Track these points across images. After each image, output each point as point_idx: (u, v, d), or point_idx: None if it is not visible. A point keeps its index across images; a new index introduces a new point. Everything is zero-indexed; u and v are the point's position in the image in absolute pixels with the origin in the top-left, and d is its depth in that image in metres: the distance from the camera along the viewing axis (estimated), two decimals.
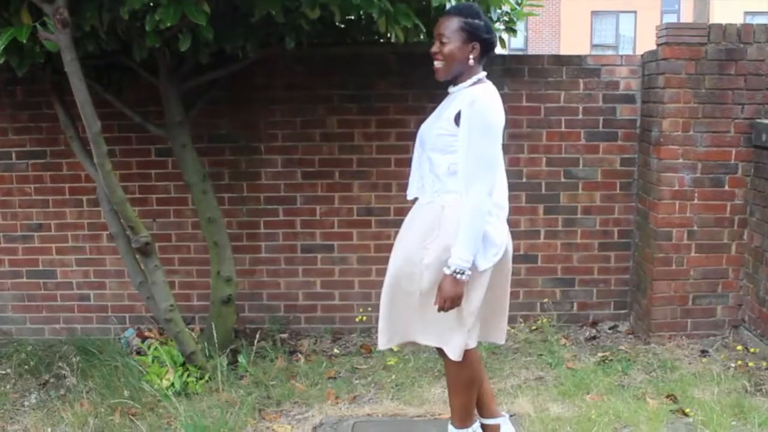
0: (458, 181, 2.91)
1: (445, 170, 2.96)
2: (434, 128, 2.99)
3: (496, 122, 2.92)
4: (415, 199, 3.16)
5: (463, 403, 3.19)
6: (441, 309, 2.90)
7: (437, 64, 2.98)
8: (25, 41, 3.30)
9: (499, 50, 4.74)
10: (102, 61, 4.24)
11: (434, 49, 2.97)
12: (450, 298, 2.87)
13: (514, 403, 3.93)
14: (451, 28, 2.93)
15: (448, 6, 3.51)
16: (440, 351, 3.15)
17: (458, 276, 2.85)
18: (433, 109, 3.17)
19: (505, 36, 4.70)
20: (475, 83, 3.00)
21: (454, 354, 3.02)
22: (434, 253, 2.95)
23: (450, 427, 3.27)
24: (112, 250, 4.94)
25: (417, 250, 3.00)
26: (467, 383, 3.14)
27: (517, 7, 4.70)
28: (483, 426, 3.33)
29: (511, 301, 5.00)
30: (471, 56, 2.97)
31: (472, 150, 2.86)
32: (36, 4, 3.30)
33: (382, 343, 3.18)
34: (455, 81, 3.03)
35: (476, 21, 2.94)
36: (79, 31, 3.52)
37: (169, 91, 4.20)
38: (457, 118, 2.90)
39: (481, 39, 2.96)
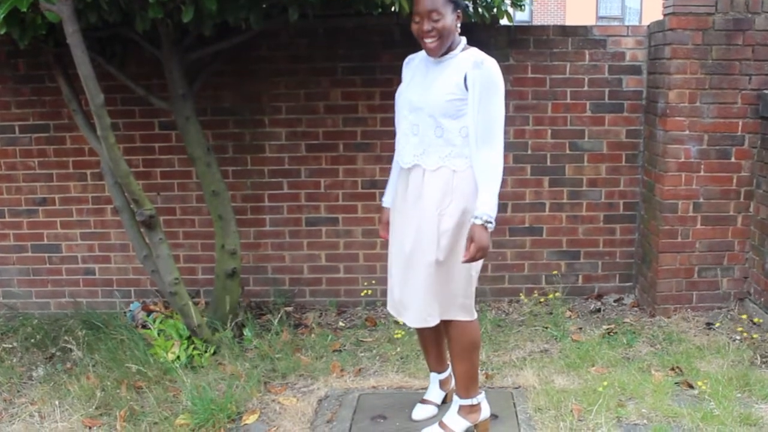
0: (468, 144, 2.96)
1: (457, 135, 2.97)
2: (441, 94, 2.95)
3: (502, 82, 2.96)
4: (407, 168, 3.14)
5: (468, 368, 3.21)
6: (472, 259, 2.94)
7: (432, 42, 2.94)
8: (25, 10, 3.26)
9: (505, 23, 4.72)
10: (104, 33, 4.22)
11: (427, 27, 2.90)
12: (483, 248, 2.92)
13: (519, 375, 3.93)
14: (440, 2, 2.88)
15: None
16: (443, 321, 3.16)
17: (489, 226, 2.91)
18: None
19: (510, 10, 4.64)
20: (464, 48, 3.02)
21: (472, 314, 3.12)
22: (452, 218, 2.99)
23: (455, 398, 3.29)
24: (117, 224, 4.95)
25: (431, 218, 3.00)
26: (474, 345, 3.18)
27: None
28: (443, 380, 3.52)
29: (515, 273, 5.07)
30: (458, 24, 2.98)
31: (487, 109, 2.91)
32: None
33: (414, 319, 3.16)
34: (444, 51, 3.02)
35: None
36: (81, 1, 3.49)
37: (172, 64, 4.18)
38: (464, 82, 2.93)
39: (462, 6, 2.98)
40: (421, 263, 3.04)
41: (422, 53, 3.12)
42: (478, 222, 2.91)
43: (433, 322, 3.10)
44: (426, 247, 3.02)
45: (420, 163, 3.05)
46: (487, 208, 2.91)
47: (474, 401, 3.25)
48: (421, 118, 3.02)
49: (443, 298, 3.07)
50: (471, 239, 2.93)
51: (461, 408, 3.26)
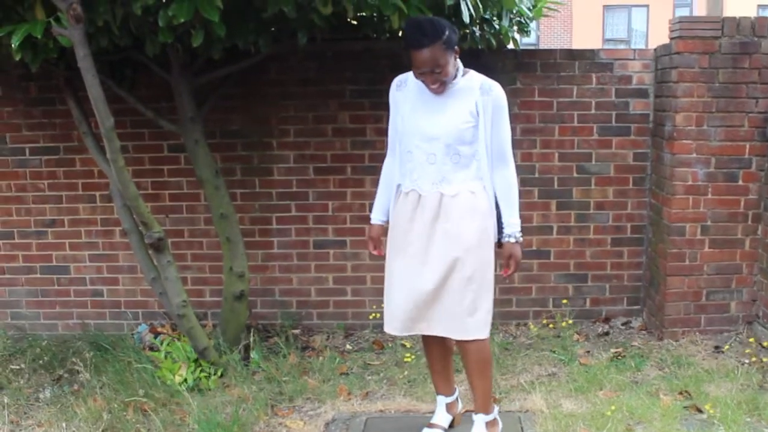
0: (480, 166, 3.12)
1: (472, 159, 3.11)
2: (458, 123, 3.06)
3: (506, 102, 3.16)
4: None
5: (489, 383, 3.34)
6: (513, 273, 3.28)
7: (436, 86, 3.03)
8: (39, 36, 3.30)
9: (510, 47, 4.74)
10: (115, 56, 4.25)
11: (430, 80, 2.99)
12: (520, 262, 3.26)
13: (527, 399, 3.92)
14: (439, 53, 2.93)
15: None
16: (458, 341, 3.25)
17: (520, 241, 3.23)
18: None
19: (517, 36, 4.67)
20: (464, 74, 3.12)
21: (487, 331, 3.21)
22: (475, 235, 3.12)
23: (479, 417, 3.36)
24: (125, 246, 4.95)
25: (456, 237, 3.10)
26: (490, 359, 3.31)
27: (529, 12, 4.67)
28: (450, 404, 3.54)
29: (523, 296, 5.06)
30: (456, 57, 3.06)
31: (499, 131, 3.11)
32: (50, 0, 3.30)
33: (399, 328, 3.23)
34: None
35: (447, 32, 2.96)
36: (92, 26, 3.53)
37: (181, 87, 4.21)
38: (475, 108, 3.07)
39: (457, 42, 3.04)
40: (456, 279, 3.12)
41: (412, 76, 3.17)
42: (512, 240, 3.20)
43: (466, 335, 3.18)
44: (454, 264, 3.10)
45: (440, 190, 3.12)
46: (515, 227, 3.19)
47: (495, 415, 3.40)
48: (436, 147, 3.09)
49: (477, 316, 3.16)
50: (509, 257, 3.22)
51: (487, 424, 3.36)
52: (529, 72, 4.86)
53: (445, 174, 3.10)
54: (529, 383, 4.13)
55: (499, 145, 3.13)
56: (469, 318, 3.14)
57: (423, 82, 3.05)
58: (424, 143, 3.11)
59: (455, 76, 3.07)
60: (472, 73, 3.13)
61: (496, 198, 3.17)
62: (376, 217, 3.44)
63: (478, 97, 3.06)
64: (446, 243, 3.10)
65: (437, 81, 3.00)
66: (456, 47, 3.01)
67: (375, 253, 3.46)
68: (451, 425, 3.53)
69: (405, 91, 3.21)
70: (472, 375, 3.30)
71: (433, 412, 3.60)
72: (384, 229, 3.42)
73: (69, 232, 5.10)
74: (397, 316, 3.22)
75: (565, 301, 5.09)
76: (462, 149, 3.08)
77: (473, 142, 3.09)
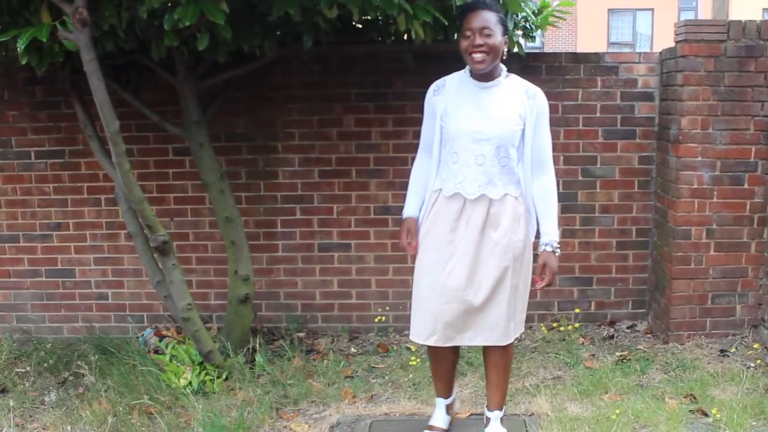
0: (521, 171, 3.16)
1: (516, 163, 3.14)
2: (509, 125, 3.09)
3: None
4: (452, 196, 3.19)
5: (508, 379, 3.48)
6: (548, 285, 3.23)
7: (481, 56, 3.02)
8: (45, 40, 3.31)
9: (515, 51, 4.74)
10: (120, 60, 4.26)
11: (478, 41, 3.00)
12: (555, 273, 3.25)
13: (531, 402, 3.91)
14: (492, 21, 3.01)
15: None
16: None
17: (557, 251, 3.24)
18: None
19: (522, 41, 4.67)
20: (507, 75, 3.17)
21: (522, 328, 3.33)
22: (521, 243, 3.17)
23: (496, 414, 3.43)
24: (130, 249, 4.96)
25: (507, 244, 3.13)
26: (513, 356, 3.47)
27: (534, 16, 4.67)
28: (448, 405, 3.58)
29: (528, 300, 5.04)
30: (504, 50, 3.09)
31: (545, 137, 3.18)
32: (55, 4, 3.31)
33: (438, 340, 3.23)
34: (489, 76, 3.12)
35: (503, 15, 3.07)
36: (98, 30, 3.54)
37: (186, 90, 4.21)
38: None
39: (508, 34, 3.12)
40: (505, 287, 3.16)
41: (451, 78, 3.22)
42: (549, 249, 3.20)
43: (508, 340, 3.25)
44: (504, 274, 3.14)
45: (486, 193, 3.11)
46: (553, 235, 3.20)
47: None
48: (487, 149, 3.09)
49: (516, 317, 3.25)
50: (544, 265, 3.21)
51: (502, 419, 3.44)
52: (534, 75, 4.83)
53: (491, 176, 3.10)
54: (534, 386, 4.13)
55: (540, 152, 3.17)
56: (510, 323, 3.21)
57: (466, 53, 3.04)
58: (473, 144, 3.10)
59: (500, 73, 3.13)
60: (514, 77, 3.18)
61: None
62: (410, 211, 3.32)
63: (525, 101, 3.11)
64: (496, 254, 3.12)
65: (484, 47, 2.99)
66: (506, 37, 3.07)
67: (409, 249, 3.29)
68: (449, 425, 3.56)
69: (444, 94, 3.20)
70: (497, 373, 3.37)
71: None
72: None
73: (74, 235, 5.11)
74: (438, 329, 3.20)
75: (578, 310, 5.08)
76: (511, 151, 3.11)
77: (519, 145, 3.12)
